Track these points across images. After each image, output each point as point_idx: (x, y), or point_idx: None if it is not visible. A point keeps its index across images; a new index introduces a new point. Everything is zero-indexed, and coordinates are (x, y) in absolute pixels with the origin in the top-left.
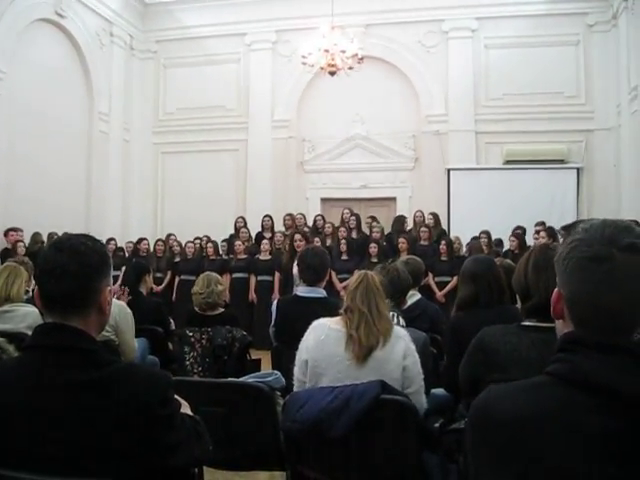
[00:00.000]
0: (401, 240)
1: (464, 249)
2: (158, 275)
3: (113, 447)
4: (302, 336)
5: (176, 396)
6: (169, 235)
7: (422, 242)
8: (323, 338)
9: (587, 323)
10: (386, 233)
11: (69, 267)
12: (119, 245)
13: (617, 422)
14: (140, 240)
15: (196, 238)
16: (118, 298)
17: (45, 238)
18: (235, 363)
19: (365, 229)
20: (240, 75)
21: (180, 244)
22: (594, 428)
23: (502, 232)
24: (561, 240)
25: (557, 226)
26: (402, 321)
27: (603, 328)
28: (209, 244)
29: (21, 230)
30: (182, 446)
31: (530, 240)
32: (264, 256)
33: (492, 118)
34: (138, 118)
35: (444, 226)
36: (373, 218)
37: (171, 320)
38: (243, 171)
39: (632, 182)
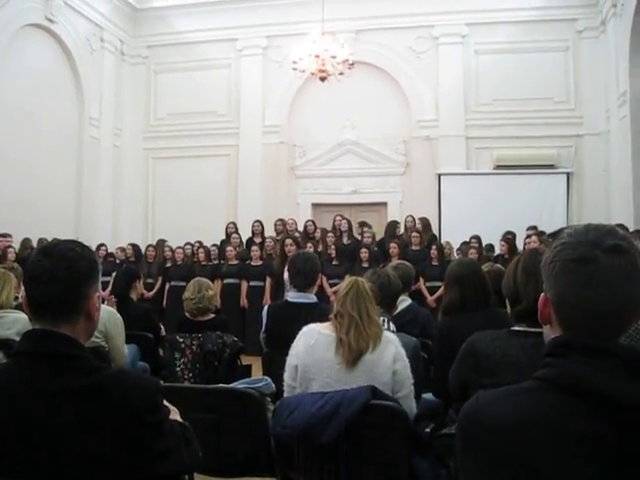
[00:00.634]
0: (392, 245)
1: (455, 254)
2: (149, 281)
3: (102, 454)
4: (292, 342)
5: (165, 402)
6: (162, 241)
7: (413, 247)
8: (313, 343)
9: (575, 326)
10: (378, 238)
11: (57, 273)
12: (109, 250)
13: (607, 427)
14: (148, 246)
15: (187, 243)
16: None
17: (35, 244)
18: (226, 369)
19: (356, 235)
20: (231, 80)
21: (172, 249)
22: (584, 433)
23: (493, 237)
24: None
25: (547, 231)
26: (392, 326)
27: (591, 330)
28: (200, 250)
29: (10, 236)
30: (171, 453)
31: (520, 245)
32: (255, 262)
33: (482, 123)
34: (129, 123)
35: (435, 231)
36: (363, 224)
37: (162, 326)
38: (234, 176)
39: (621, 186)
